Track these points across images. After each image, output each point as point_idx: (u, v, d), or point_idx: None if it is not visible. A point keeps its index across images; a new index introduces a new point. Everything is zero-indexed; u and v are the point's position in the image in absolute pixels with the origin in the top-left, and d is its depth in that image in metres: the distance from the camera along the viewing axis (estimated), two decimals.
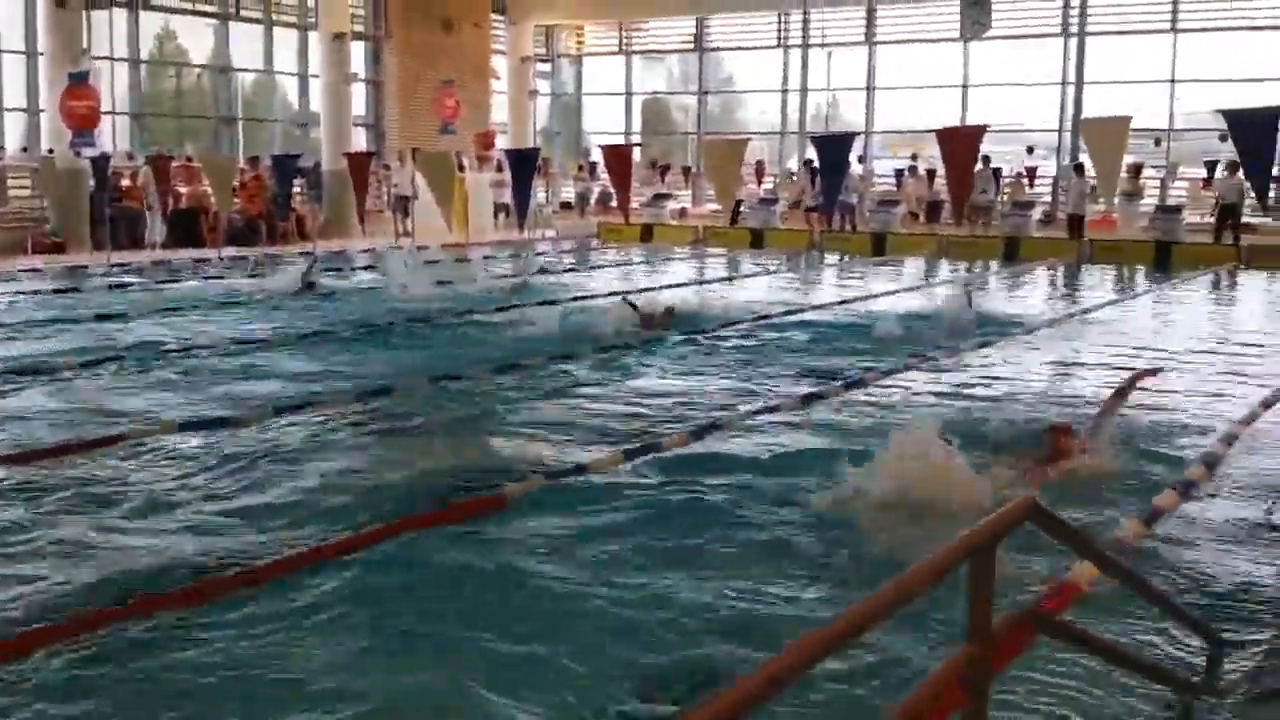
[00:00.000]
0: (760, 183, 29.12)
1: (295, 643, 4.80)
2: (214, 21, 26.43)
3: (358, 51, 27.85)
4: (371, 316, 14.02)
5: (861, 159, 27.53)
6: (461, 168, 25.93)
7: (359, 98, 28.19)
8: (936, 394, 9.70)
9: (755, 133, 31.50)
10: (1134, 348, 12.10)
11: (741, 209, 26.33)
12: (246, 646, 4.76)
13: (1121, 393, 8.29)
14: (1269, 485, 6.97)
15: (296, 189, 24.77)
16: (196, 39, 26.95)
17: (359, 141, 27.84)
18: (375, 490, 6.96)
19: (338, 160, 24.98)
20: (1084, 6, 26.87)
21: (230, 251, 21.54)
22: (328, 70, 26.15)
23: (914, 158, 27.90)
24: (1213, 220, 23.21)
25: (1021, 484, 6.58)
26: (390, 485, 7.10)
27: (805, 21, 30.23)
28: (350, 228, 25.00)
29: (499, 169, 27.59)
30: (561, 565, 5.69)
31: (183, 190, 23.61)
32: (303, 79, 27.98)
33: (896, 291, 17.18)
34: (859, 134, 25.96)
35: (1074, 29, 27.12)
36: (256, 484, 7.05)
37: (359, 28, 27.90)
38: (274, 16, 27.04)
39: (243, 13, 26.46)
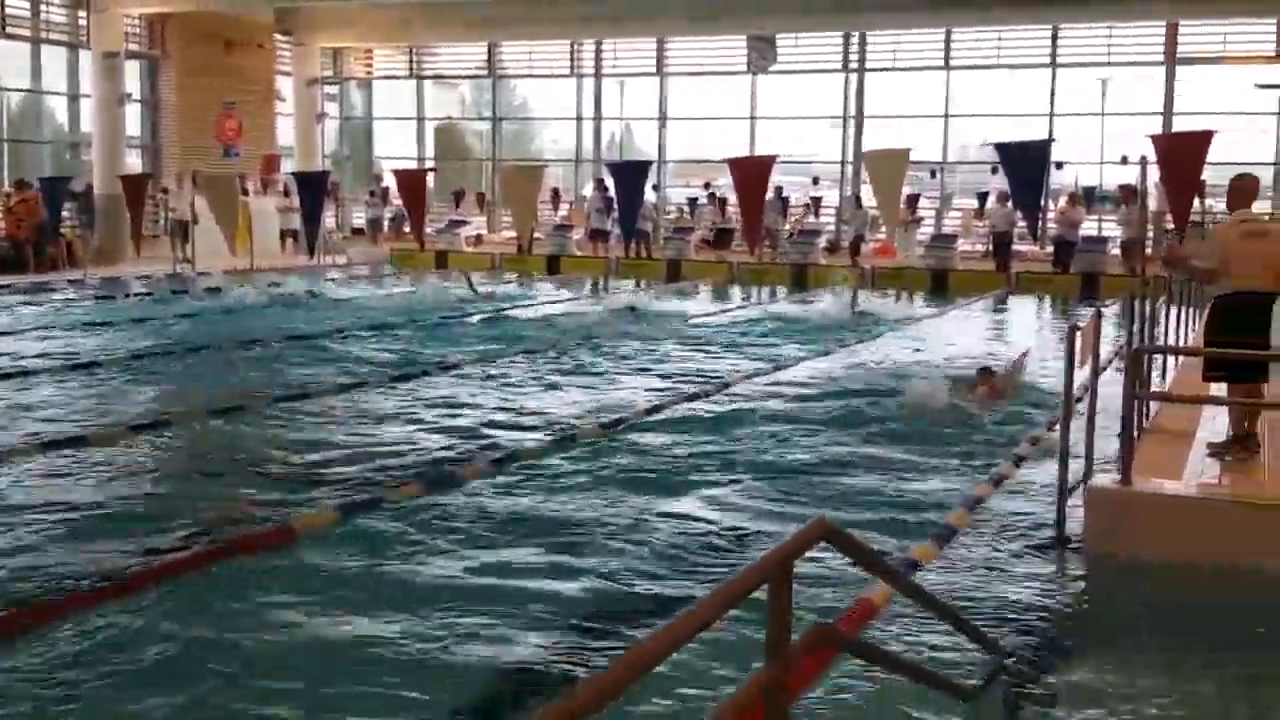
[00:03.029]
0: (556, 210, 29.17)
1: (74, 688, 4.50)
2: None
3: (132, 71, 26.65)
4: None
5: (655, 187, 27.89)
6: (245, 191, 25.10)
7: (134, 119, 26.97)
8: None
9: (551, 160, 31.59)
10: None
11: (536, 235, 26.33)
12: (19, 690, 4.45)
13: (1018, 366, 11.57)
14: (1045, 500, 7.28)
15: (67, 213, 23.52)
16: None
17: (134, 164, 26.61)
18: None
19: (111, 183, 23.84)
20: (863, 44, 27.97)
21: None
22: (100, 90, 24.94)
23: (707, 186, 28.43)
24: (990, 249, 24.42)
25: (967, 399, 10.41)
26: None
27: (598, 51, 30.52)
28: (125, 253, 23.86)
29: (285, 193, 26.84)
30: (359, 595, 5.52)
31: None
32: (73, 99, 26.62)
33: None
34: (652, 162, 26.33)
35: (854, 65, 28.19)
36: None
37: (134, 46, 26.71)
38: (42, 34, 25.66)
39: (8, 29, 25.00)
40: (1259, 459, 7.31)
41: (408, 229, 25.68)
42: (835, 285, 20.65)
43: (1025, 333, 17.41)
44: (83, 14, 25.46)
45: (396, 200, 27.37)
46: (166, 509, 7.07)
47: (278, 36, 29.98)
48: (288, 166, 29.36)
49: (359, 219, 30.82)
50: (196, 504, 7.20)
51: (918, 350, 14.10)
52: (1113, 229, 24.66)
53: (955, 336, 15.70)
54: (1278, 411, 8.25)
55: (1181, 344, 11.26)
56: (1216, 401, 7.76)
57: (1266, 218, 21.85)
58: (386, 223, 29.46)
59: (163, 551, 6.16)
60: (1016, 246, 24.08)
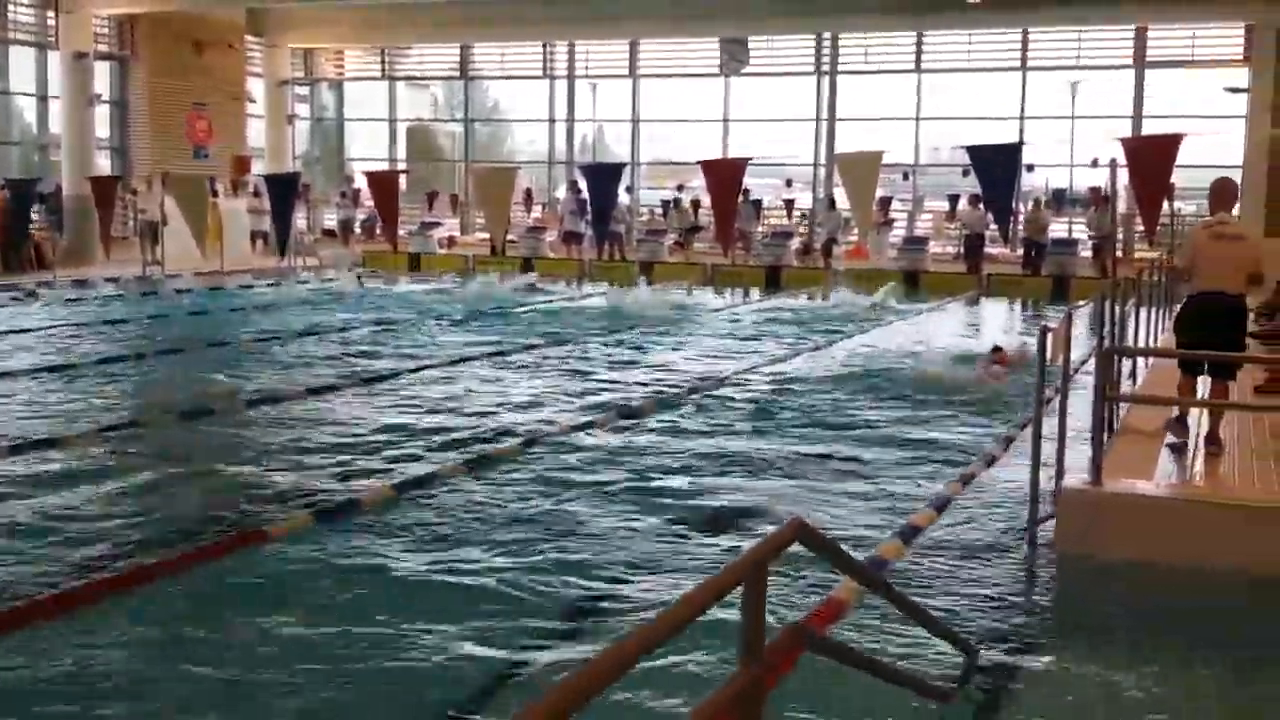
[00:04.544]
0: (529, 212, 29.12)
1: (42, 696, 4.46)
2: None
3: (102, 71, 26.45)
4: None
5: (629, 189, 27.89)
6: (215, 193, 24.93)
7: (103, 120, 26.75)
8: None
9: (523, 161, 31.52)
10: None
11: (509, 237, 26.23)
12: None
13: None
14: (1017, 500, 7.31)
15: (35, 214, 23.32)
16: None
17: (103, 165, 26.40)
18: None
19: (80, 185, 23.65)
20: (835, 46, 28.05)
21: None
22: (69, 91, 24.73)
23: (679, 189, 28.45)
24: (962, 251, 24.54)
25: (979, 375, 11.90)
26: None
27: (570, 53, 30.49)
28: (94, 255, 23.66)
29: (256, 194, 26.68)
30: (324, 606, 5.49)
31: None
32: (42, 100, 26.38)
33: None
34: (626, 164, 26.30)
35: (826, 67, 28.27)
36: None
37: (104, 47, 26.50)
38: (9, 34, 25.43)
39: None
40: (1218, 458, 7.38)
41: (379, 231, 25.59)
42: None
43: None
44: (51, 14, 25.26)
45: (368, 202, 27.26)
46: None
47: (248, 37, 29.82)
48: (258, 168, 29.20)
49: (330, 221, 30.68)
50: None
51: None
52: (1083, 231, 24.81)
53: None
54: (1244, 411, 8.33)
55: (1152, 345, 11.34)
56: (1187, 403, 7.81)
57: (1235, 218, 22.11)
58: (358, 224, 29.35)
59: (132, 557, 6.12)
60: (988, 249, 24.19)
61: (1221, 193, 7.94)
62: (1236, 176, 23.05)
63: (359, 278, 22.70)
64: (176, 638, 5.07)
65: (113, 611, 5.34)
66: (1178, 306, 8.67)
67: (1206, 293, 7.53)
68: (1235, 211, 7.88)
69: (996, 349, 12.80)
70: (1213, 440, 7.45)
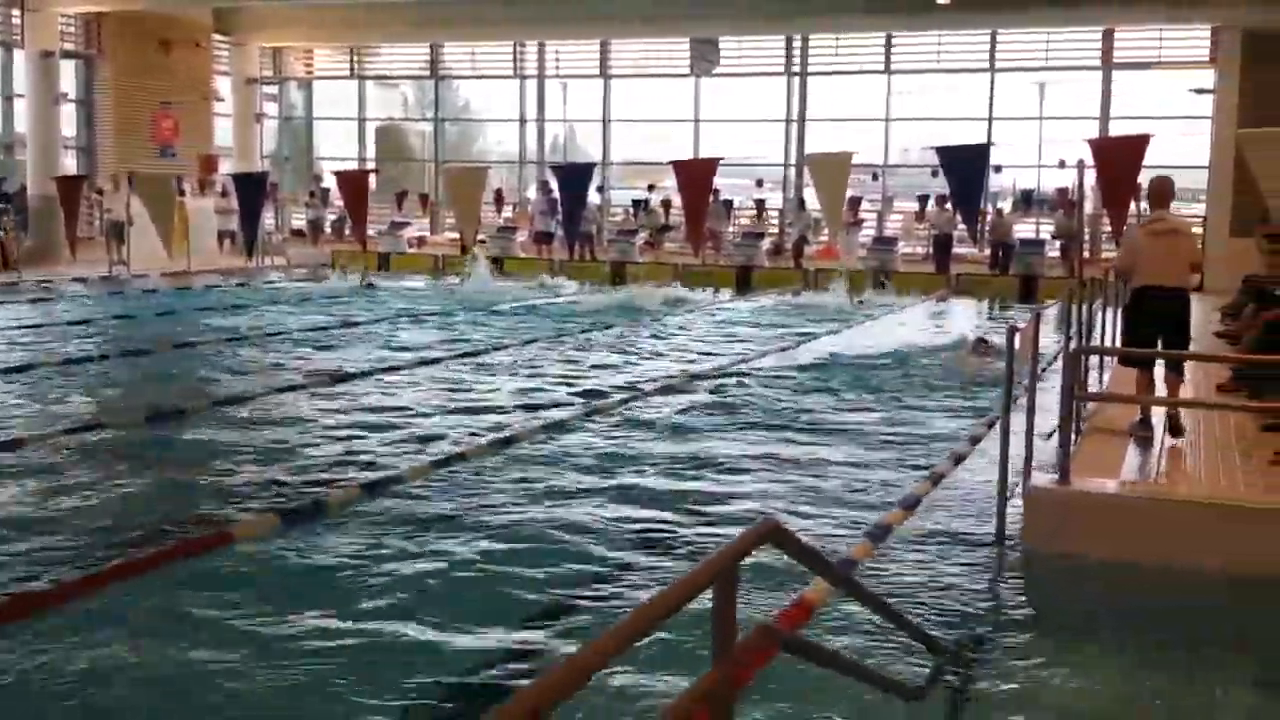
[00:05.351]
0: (500, 212, 29.03)
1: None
2: None
3: (68, 70, 26.22)
4: None
5: (600, 189, 27.87)
6: (182, 192, 24.76)
7: (69, 119, 26.51)
8: None
9: (494, 161, 31.45)
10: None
11: (480, 238, 26.15)
12: None
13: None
14: (986, 499, 7.35)
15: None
16: None
17: (69, 165, 26.16)
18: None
19: (45, 184, 23.43)
20: (805, 47, 28.13)
21: None
22: (34, 90, 24.50)
23: (650, 189, 28.44)
24: (931, 251, 24.64)
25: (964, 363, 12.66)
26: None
27: (541, 52, 30.44)
28: (59, 255, 23.44)
29: (223, 194, 26.51)
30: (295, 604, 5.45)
31: None
32: (7, 99, 26.11)
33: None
34: (596, 164, 26.28)
35: (796, 68, 28.34)
36: None
37: (70, 45, 26.27)
38: None
39: None
40: (1184, 456, 7.45)
41: (349, 230, 25.47)
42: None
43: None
44: (16, 13, 25.00)
45: (338, 201, 27.13)
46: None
47: (216, 36, 29.62)
48: (226, 167, 29.01)
49: (298, 220, 30.50)
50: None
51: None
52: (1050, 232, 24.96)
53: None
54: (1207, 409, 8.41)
55: (1119, 345, 11.43)
56: (1155, 401, 7.89)
57: (1201, 219, 22.33)
58: (327, 224, 29.20)
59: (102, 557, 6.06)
60: (956, 249, 24.30)
61: (1159, 191, 8.25)
62: (1203, 177, 23.38)
63: (365, 280, 22.41)
64: (149, 635, 5.03)
65: (80, 611, 5.28)
66: None
67: (1150, 287, 7.86)
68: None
69: (981, 340, 13.48)
70: (1173, 418, 7.73)
